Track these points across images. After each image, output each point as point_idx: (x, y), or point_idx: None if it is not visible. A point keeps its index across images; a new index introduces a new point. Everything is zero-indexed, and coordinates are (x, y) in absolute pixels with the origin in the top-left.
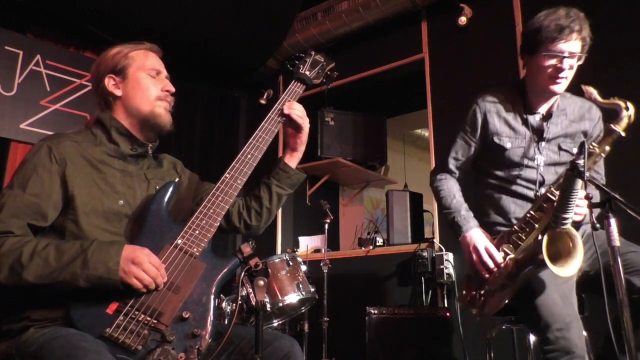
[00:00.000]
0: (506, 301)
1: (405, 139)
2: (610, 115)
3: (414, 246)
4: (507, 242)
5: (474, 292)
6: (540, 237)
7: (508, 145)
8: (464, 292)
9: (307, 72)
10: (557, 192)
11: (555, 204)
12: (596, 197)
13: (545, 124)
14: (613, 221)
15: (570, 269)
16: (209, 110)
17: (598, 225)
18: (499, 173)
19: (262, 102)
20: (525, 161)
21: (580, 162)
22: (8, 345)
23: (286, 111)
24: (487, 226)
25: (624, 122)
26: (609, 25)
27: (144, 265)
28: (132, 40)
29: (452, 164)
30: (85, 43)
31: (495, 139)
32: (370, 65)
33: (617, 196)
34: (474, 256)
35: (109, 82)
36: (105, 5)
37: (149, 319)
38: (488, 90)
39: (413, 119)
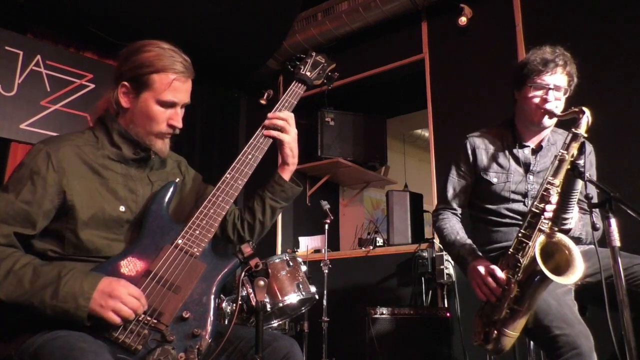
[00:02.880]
0: (519, 331)
1: (405, 139)
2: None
3: (414, 246)
4: (506, 266)
5: (487, 329)
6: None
7: (494, 180)
8: (477, 331)
9: (308, 73)
10: (542, 206)
11: (555, 204)
12: None
13: (534, 157)
14: (613, 221)
15: (573, 276)
16: (209, 111)
17: (598, 225)
18: (488, 207)
19: (262, 102)
20: (512, 195)
21: (580, 162)
22: (7, 346)
23: (267, 123)
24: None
25: (584, 125)
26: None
27: (122, 298)
28: (133, 41)
29: (451, 200)
30: (86, 43)
31: (483, 174)
32: (371, 66)
33: (617, 196)
34: (479, 279)
35: (121, 91)
36: (105, 5)
37: (149, 318)
38: (479, 128)
39: (413, 119)
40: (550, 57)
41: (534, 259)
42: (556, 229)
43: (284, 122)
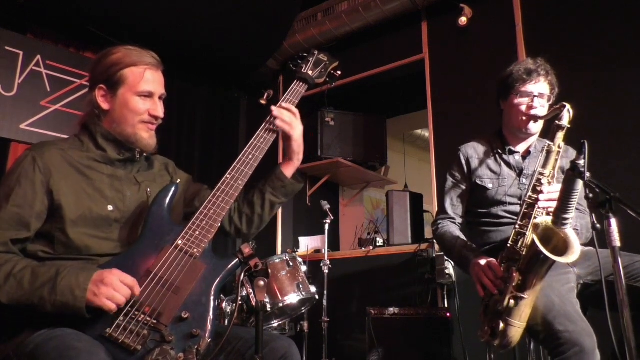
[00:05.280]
0: (526, 322)
1: (405, 139)
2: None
3: (414, 246)
4: (507, 259)
5: (493, 323)
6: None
7: (490, 186)
8: (484, 327)
9: (310, 72)
10: (535, 196)
11: (555, 204)
12: None
13: (524, 162)
14: (613, 221)
15: (572, 256)
16: (209, 111)
17: (598, 226)
18: (485, 211)
19: (262, 102)
20: (508, 199)
21: (581, 162)
22: (5, 346)
23: (275, 113)
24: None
25: (566, 117)
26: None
27: (114, 285)
28: (134, 41)
29: (449, 209)
30: (86, 43)
31: (478, 181)
32: (371, 66)
33: (617, 196)
34: (480, 273)
35: (99, 94)
36: (105, 5)
37: (148, 319)
38: (479, 128)
39: (413, 119)
40: (533, 67)
41: (532, 242)
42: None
43: (290, 116)
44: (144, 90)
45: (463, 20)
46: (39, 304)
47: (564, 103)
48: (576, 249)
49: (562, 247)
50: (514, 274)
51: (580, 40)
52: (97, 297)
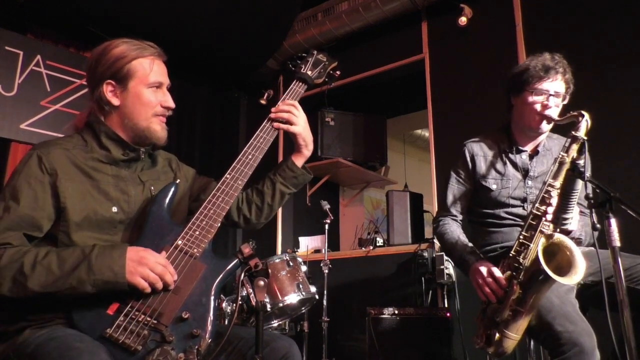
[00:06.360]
0: (522, 334)
1: (405, 139)
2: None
3: (414, 246)
4: (508, 268)
5: (489, 331)
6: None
7: (494, 187)
8: (479, 333)
9: (309, 72)
10: (543, 208)
11: (555, 204)
12: None
13: (531, 162)
14: (613, 221)
15: (575, 277)
16: (209, 111)
17: (598, 226)
18: (488, 211)
19: (263, 102)
20: (511, 201)
21: (581, 162)
22: (5, 346)
23: (271, 116)
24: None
25: (583, 128)
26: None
27: (150, 264)
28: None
29: (451, 207)
30: (86, 43)
31: (482, 181)
32: (371, 66)
33: (617, 196)
34: (480, 280)
35: (107, 89)
36: (105, 5)
37: (149, 319)
38: (477, 135)
39: (413, 119)
40: (551, 64)
41: (536, 259)
42: (557, 230)
43: (288, 114)
44: (154, 81)
45: (463, 20)
46: (77, 286)
47: (583, 112)
48: (580, 270)
49: (565, 266)
50: (515, 287)
51: (580, 40)
52: (133, 274)
